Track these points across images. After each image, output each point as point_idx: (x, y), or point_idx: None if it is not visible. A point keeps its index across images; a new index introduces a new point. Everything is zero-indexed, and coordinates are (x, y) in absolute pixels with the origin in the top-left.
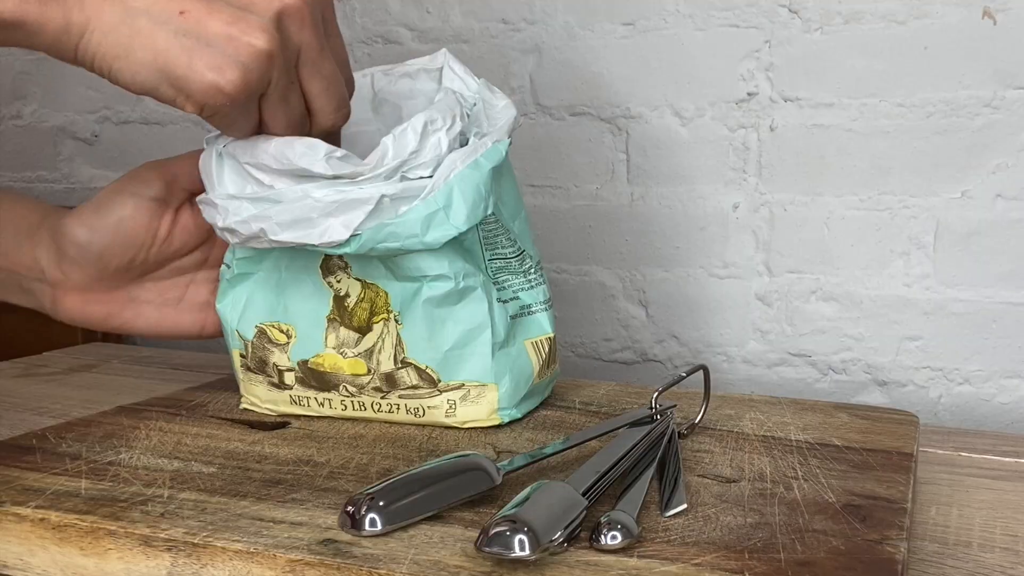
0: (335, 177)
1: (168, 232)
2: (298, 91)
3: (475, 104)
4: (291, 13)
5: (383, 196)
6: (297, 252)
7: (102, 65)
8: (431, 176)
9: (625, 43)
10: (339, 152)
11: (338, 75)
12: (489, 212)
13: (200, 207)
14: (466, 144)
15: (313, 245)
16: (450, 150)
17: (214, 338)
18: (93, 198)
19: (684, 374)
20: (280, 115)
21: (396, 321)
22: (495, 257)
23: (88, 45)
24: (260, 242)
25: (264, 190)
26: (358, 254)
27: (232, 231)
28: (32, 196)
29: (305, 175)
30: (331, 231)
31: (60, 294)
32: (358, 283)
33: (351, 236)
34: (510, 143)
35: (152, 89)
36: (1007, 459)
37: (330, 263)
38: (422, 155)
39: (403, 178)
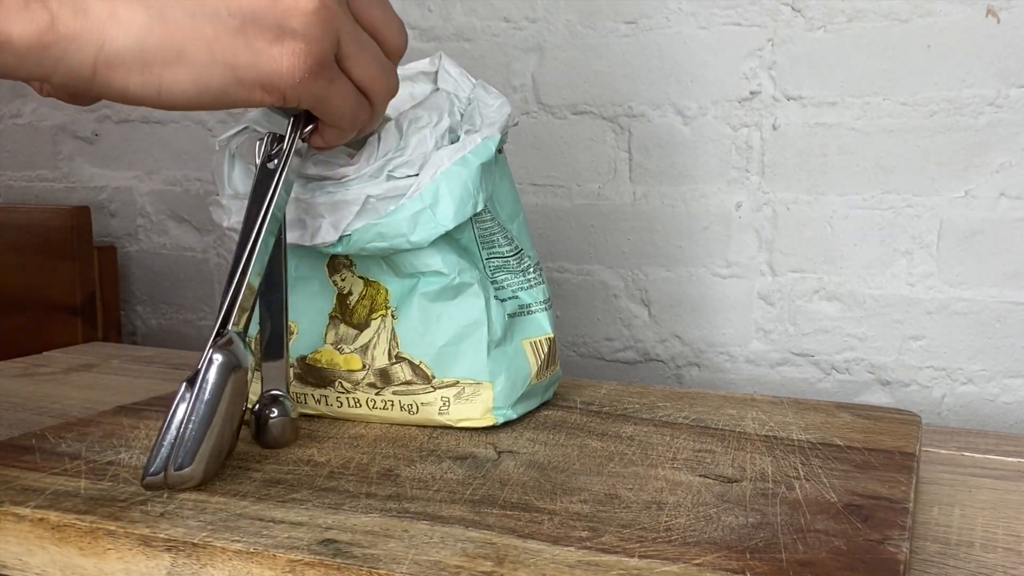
0: (322, 178)
1: None
2: (360, 28)
3: (469, 103)
4: None
5: (368, 197)
6: (306, 251)
7: (145, 81)
8: (417, 175)
9: (627, 41)
10: (325, 153)
11: None
12: (479, 209)
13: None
14: (457, 142)
15: (306, 246)
16: (437, 147)
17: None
18: None
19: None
20: (365, 60)
21: (392, 316)
22: (492, 256)
23: (112, 60)
24: None
25: None
26: (349, 254)
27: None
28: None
29: (301, 175)
30: (322, 232)
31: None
32: (361, 281)
33: (341, 237)
34: (502, 140)
35: (221, 94)
36: (1010, 459)
37: (336, 262)
38: (407, 153)
39: (389, 177)
